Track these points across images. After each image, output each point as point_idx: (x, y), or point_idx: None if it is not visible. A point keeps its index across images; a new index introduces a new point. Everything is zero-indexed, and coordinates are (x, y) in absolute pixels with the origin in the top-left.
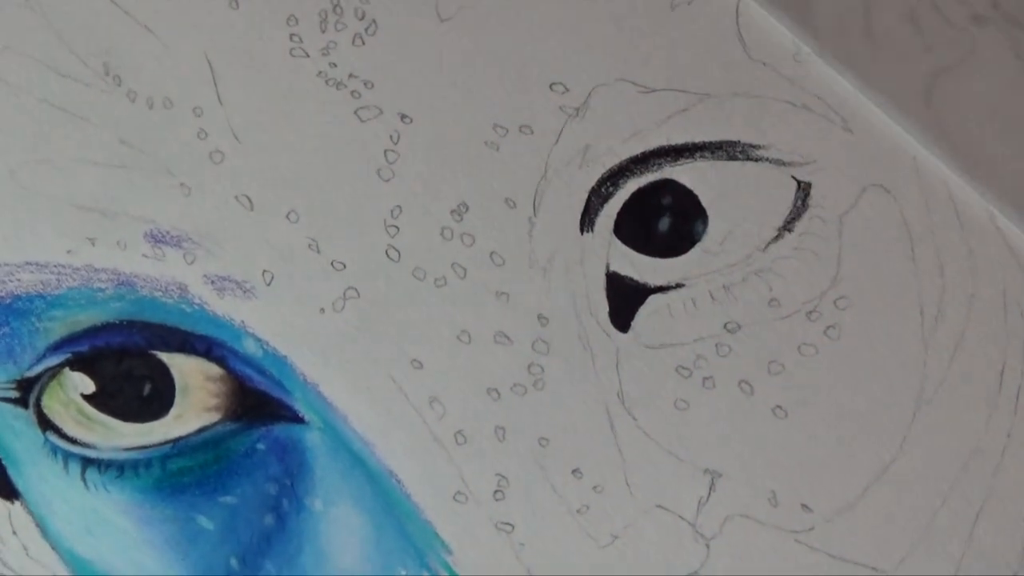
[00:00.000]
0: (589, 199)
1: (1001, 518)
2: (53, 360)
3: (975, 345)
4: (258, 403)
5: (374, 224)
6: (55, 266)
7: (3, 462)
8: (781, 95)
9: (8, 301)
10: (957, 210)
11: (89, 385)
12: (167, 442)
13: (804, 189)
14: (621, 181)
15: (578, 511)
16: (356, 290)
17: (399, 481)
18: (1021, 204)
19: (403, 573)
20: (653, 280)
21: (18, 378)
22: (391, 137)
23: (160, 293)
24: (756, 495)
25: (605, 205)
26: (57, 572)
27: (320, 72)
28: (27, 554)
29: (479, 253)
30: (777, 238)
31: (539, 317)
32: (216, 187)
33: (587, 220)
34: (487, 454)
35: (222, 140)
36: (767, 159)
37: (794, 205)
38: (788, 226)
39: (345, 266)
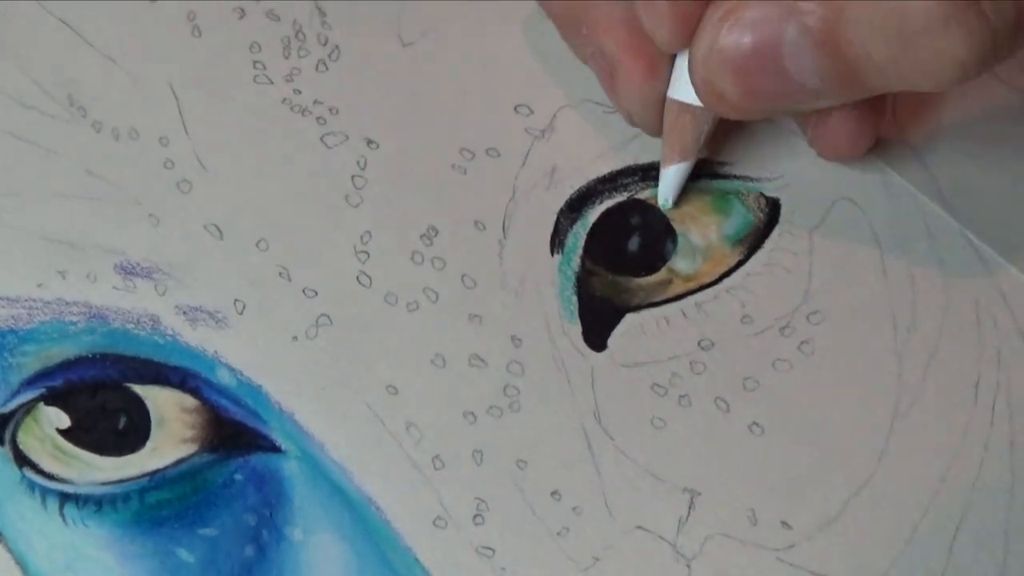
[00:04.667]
0: (558, 220)
1: (980, 531)
2: (27, 395)
3: (949, 357)
4: (234, 433)
5: (344, 250)
6: (26, 300)
7: None
8: None
9: None
10: (926, 222)
11: (64, 420)
12: (144, 475)
13: (772, 205)
14: (589, 202)
15: (558, 533)
16: (328, 317)
17: (378, 508)
18: (990, 213)
19: None
20: (625, 299)
21: None
22: (358, 163)
23: (132, 325)
24: (735, 513)
25: (574, 226)
26: None
27: (285, 99)
28: None
29: (450, 277)
30: (748, 255)
31: (513, 339)
32: (185, 217)
33: (557, 241)
34: (465, 478)
35: (189, 169)
36: (734, 175)
37: (763, 221)
38: (758, 243)
39: (317, 293)
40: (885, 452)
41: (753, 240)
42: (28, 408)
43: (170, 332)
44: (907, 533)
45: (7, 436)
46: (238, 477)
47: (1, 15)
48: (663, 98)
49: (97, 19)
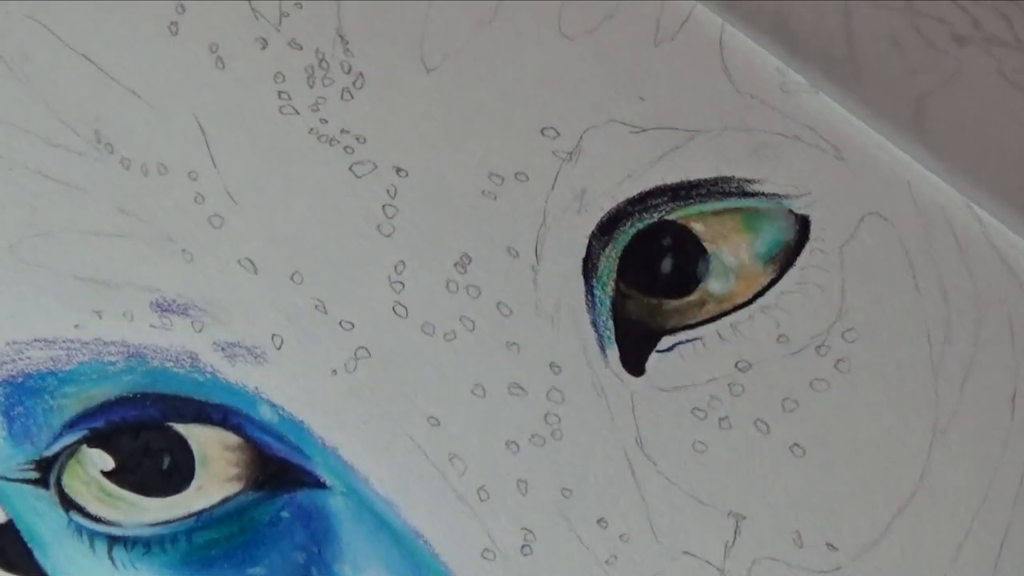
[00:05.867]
0: (590, 244)
1: None
2: (70, 438)
3: (985, 371)
4: (279, 470)
5: (379, 281)
6: (64, 341)
7: (29, 544)
8: (771, 127)
9: (20, 380)
10: (955, 234)
11: (108, 461)
12: (191, 515)
13: (802, 222)
14: (620, 224)
15: (606, 562)
16: (367, 349)
17: (426, 542)
18: (1018, 223)
19: None
20: (660, 322)
21: (37, 458)
22: (388, 191)
23: (171, 363)
24: (781, 536)
25: (606, 248)
26: None
27: (312, 129)
28: None
29: (486, 304)
30: (780, 273)
31: (551, 366)
32: (218, 252)
33: (590, 265)
34: (511, 508)
35: (220, 203)
36: (762, 193)
37: (794, 238)
38: (790, 260)
39: (354, 326)
40: (926, 470)
41: (784, 258)
42: (71, 451)
43: (209, 369)
44: (952, 552)
45: (52, 479)
46: (285, 514)
47: (24, 53)
48: None
49: (120, 54)
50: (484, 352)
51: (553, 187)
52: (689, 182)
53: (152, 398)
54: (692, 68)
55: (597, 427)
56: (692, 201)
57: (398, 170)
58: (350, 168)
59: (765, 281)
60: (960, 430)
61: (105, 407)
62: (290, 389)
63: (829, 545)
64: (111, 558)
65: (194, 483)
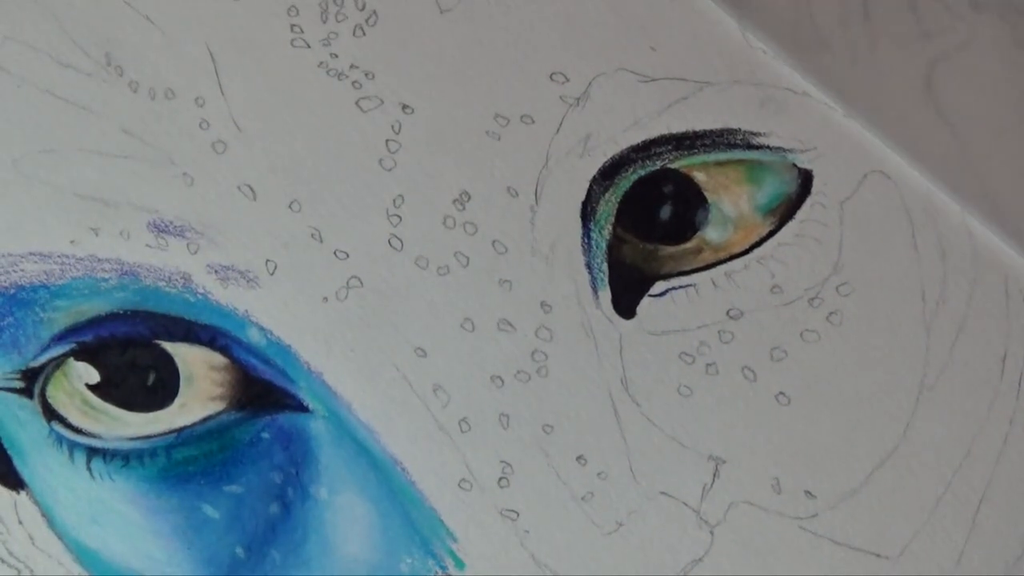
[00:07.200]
0: (591, 188)
1: (1003, 504)
2: (58, 350)
3: (977, 331)
4: (262, 392)
5: (376, 213)
6: (59, 256)
7: (8, 452)
8: (781, 82)
9: (12, 291)
10: (958, 196)
11: (94, 375)
12: (172, 431)
13: (805, 176)
14: (623, 170)
15: (582, 498)
16: (359, 279)
17: (404, 469)
18: (1021, 188)
19: (408, 561)
20: (655, 268)
21: (23, 368)
22: (393, 127)
23: (164, 283)
24: (760, 482)
25: (607, 193)
26: (63, 562)
27: (321, 63)
28: (33, 544)
29: (481, 241)
30: (779, 225)
31: (542, 304)
32: (218, 177)
33: (589, 208)
34: (491, 441)
35: (224, 130)
36: (767, 146)
37: (795, 192)
38: (789, 213)
39: (348, 255)
40: (911, 424)
41: (785, 211)
42: (58, 363)
43: (201, 290)
44: (930, 505)
45: (36, 390)
46: (265, 435)
47: None
48: None
49: None
50: (476, 288)
51: (558, 131)
52: (694, 132)
53: (142, 315)
54: (705, 20)
55: (583, 366)
56: (696, 151)
57: (404, 107)
58: (356, 103)
59: (763, 232)
60: (947, 387)
61: (95, 322)
62: (280, 314)
63: (807, 493)
64: (89, 469)
65: (177, 400)
